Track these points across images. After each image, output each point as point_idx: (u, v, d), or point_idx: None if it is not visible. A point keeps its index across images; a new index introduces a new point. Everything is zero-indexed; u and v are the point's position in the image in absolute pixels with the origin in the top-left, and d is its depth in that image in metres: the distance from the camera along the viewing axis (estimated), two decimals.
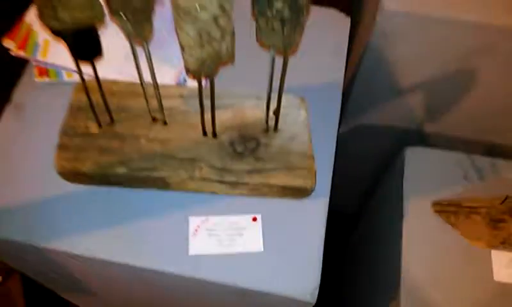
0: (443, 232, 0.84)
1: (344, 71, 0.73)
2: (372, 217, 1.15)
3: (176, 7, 0.41)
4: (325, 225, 0.62)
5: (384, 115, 1.04)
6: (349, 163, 1.23)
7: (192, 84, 0.68)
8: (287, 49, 0.46)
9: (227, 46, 0.44)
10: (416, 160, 0.91)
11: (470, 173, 0.91)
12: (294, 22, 0.42)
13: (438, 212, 0.86)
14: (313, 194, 0.62)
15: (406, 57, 0.87)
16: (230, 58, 0.46)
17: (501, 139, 1.01)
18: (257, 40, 0.47)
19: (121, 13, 0.42)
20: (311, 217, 0.62)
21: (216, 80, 0.54)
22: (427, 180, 0.89)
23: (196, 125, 0.60)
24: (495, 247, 0.83)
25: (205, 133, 0.60)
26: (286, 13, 0.41)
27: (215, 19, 0.41)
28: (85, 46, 0.47)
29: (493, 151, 1.04)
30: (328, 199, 0.64)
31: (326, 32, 0.78)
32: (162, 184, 0.60)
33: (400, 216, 0.87)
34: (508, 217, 0.82)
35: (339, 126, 1.08)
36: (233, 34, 0.44)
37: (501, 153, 1.01)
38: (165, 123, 0.62)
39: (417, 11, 0.78)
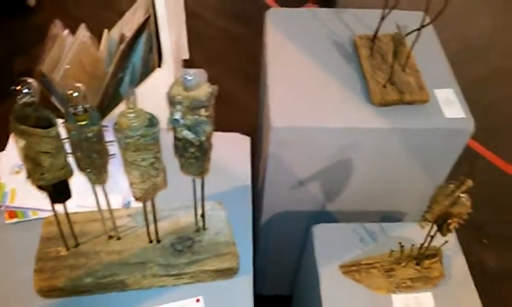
0: (352, 288, 1.05)
1: (250, 177, 0.97)
2: (299, 288, 1.35)
3: (125, 160, 0.62)
4: (252, 295, 0.82)
5: (294, 202, 1.28)
6: (277, 246, 1.44)
7: (135, 204, 0.88)
8: (201, 174, 0.68)
9: (161, 179, 0.66)
10: (322, 234, 1.15)
11: (365, 237, 1.15)
12: (203, 158, 0.66)
13: (345, 272, 1.08)
14: (239, 272, 0.82)
15: (299, 157, 1.13)
16: (164, 185, 0.68)
17: (383, 207, 1.28)
18: (181, 170, 0.69)
19: (87, 170, 0.63)
20: (240, 290, 0.81)
21: (156, 199, 0.75)
22: (332, 249, 1.12)
23: (143, 235, 0.80)
24: (393, 292, 1.05)
25: (150, 241, 0.80)
26: (197, 153, 0.64)
27: (152, 164, 0.63)
28: (59, 193, 0.67)
29: (382, 217, 1.30)
30: (252, 275, 0.84)
31: (233, 151, 1.03)
32: (122, 286, 0.78)
33: (317, 282, 1.08)
34: (395, 266, 1.06)
35: (261, 217, 1.31)
36: (164, 170, 0.66)
37: (387, 218, 1.28)
38: (119, 238, 0.81)
39: (299, 125, 1.06)
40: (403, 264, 1.05)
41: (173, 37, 1.08)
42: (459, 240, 1.89)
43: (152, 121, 0.60)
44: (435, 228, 0.93)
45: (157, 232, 0.79)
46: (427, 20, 1.06)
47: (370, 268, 1.07)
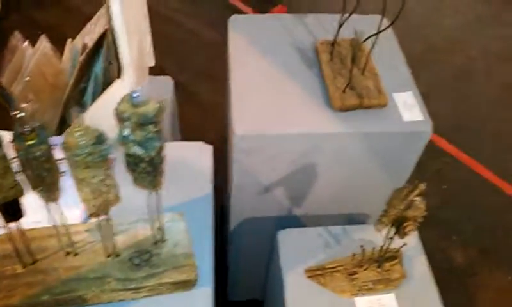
0: (317, 292, 1.06)
1: (211, 187, 0.98)
2: (268, 293, 1.36)
3: (75, 177, 0.62)
4: (213, 305, 0.82)
5: (262, 207, 1.29)
6: (248, 252, 1.45)
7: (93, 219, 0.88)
8: (154, 188, 0.69)
9: (113, 195, 0.66)
10: (287, 239, 1.16)
11: (329, 240, 1.17)
12: (155, 172, 0.66)
13: (310, 277, 1.10)
14: (199, 283, 0.82)
15: (263, 163, 1.14)
16: (117, 201, 0.68)
17: (348, 210, 1.30)
18: (134, 184, 0.69)
19: (39, 188, 0.63)
20: (200, 301, 0.82)
21: (112, 213, 0.75)
22: (297, 253, 1.13)
23: (101, 250, 0.80)
24: (356, 295, 1.07)
25: (109, 255, 0.80)
26: (148, 168, 0.65)
27: (102, 181, 0.63)
28: (12, 212, 0.67)
29: (347, 219, 1.32)
30: (212, 285, 0.84)
31: (195, 160, 1.03)
32: (81, 301, 0.77)
33: (282, 287, 1.09)
34: (358, 268, 1.08)
35: (230, 223, 1.32)
36: (116, 186, 0.66)
37: (352, 220, 1.30)
38: (76, 254, 0.81)
39: (261, 132, 1.07)
40: (365, 267, 1.07)
41: (134, 47, 1.08)
42: (428, 238, 1.94)
43: (100, 139, 0.60)
44: (394, 230, 0.95)
45: (114, 246, 0.78)
46: (386, 23, 1.08)
47: (334, 272, 1.09)
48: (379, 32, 1.08)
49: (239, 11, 2.78)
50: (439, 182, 2.13)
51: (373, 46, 1.11)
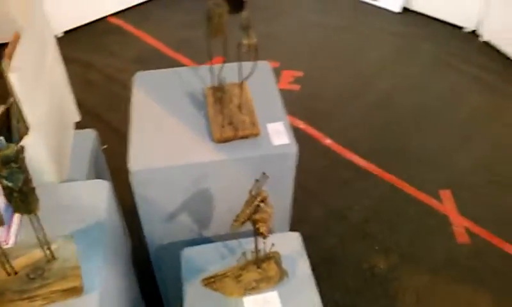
0: (212, 296, 1.25)
1: (105, 217, 1.19)
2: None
3: None
4: None
5: (173, 232, 1.48)
6: (171, 273, 1.62)
7: None
8: (31, 212, 0.90)
9: None
10: (189, 256, 1.36)
11: (225, 253, 1.37)
12: (27, 200, 0.87)
13: (206, 285, 1.29)
14: (86, 291, 1.02)
15: (161, 193, 1.36)
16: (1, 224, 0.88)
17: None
18: (14, 211, 0.90)
19: None
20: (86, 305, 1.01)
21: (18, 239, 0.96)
22: (198, 267, 1.32)
23: (1, 270, 0.99)
24: (243, 295, 1.26)
25: (9, 274, 0.99)
26: (21, 197, 0.86)
27: None
28: None
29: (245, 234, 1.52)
30: (98, 292, 1.04)
31: (93, 195, 1.24)
32: None
33: (184, 297, 1.28)
34: (242, 271, 1.28)
35: (149, 248, 1.51)
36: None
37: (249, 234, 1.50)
38: None
39: (152, 166, 1.29)
40: (247, 269, 1.26)
41: (43, 106, 1.31)
42: (355, 249, 2.17)
43: None
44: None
45: (12, 266, 0.98)
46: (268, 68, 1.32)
47: (224, 278, 1.29)
48: (244, 79, 1.32)
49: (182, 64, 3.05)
50: (364, 199, 2.36)
51: (241, 89, 1.35)
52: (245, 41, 1.15)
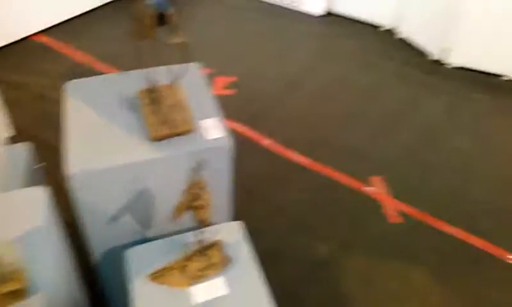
0: (159, 290, 1.28)
1: (52, 225, 1.19)
2: None
3: None
4: None
5: (117, 234, 1.50)
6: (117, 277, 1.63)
7: None
8: None
9: None
10: (134, 255, 1.38)
11: (172, 248, 1.40)
12: None
13: (152, 279, 1.32)
14: (30, 294, 1.03)
15: (102, 195, 1.37)
16: None
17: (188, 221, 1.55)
18: None
19: None
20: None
21: None
22: (143, 264, 1.35)
23: None
24: (191, 284, 1.31)
25: None
26: None
27: None
28: None
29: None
30: (44, 294, 1.05)
31: (34, 201, 1.25)
32: None
33: (131, 293, 1.30)
34: (187, 262, 1.32)
35: (94, 253, 1.51)
36: None
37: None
38: None
39: (90, 168, 1.30)
40: (192, 259, 1.31)
41: None
42: (297, 240, 2.25)
43: None
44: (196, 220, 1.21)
45: None
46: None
47: (170, 270, 1.32)
48: (179, 76, 1.38)
49: None
50: (303, 193, 2.47)
51: (173, 89, 1.40)
52: (174, 40, 1.21)
